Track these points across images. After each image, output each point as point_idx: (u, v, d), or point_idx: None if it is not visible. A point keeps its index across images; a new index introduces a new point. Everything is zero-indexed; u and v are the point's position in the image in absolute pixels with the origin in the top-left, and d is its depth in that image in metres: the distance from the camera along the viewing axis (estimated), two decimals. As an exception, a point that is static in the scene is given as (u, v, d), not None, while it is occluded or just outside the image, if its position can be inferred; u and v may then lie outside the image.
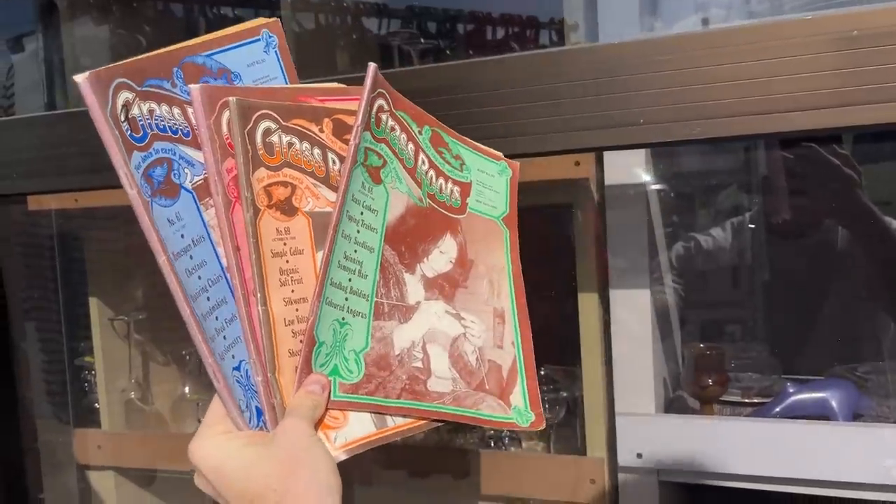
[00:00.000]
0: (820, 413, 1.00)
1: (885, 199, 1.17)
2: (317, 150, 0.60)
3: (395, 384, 0.60)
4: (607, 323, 1.08)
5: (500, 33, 1.62)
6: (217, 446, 0.52)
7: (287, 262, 0.56)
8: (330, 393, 0.56)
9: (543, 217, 1.18)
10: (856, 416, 1.01)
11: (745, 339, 1.38)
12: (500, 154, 0.74)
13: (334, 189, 0.59)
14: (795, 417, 1.01)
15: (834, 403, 0.99)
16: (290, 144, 0.58)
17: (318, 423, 0.55)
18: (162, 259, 0.52)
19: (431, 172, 0.67)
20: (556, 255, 1.13)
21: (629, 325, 1.06)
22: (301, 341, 0.56)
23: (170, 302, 0.53)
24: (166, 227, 0.53)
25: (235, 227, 0.55)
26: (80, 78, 0.51)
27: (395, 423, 0.60)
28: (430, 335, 0.63)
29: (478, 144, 0.72)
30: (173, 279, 0.52)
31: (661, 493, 1.04)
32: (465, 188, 0.70)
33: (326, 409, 0.56)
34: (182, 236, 0.54)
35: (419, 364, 0.62)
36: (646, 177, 1.09)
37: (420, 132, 0.66)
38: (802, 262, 1.30)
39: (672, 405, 1.16)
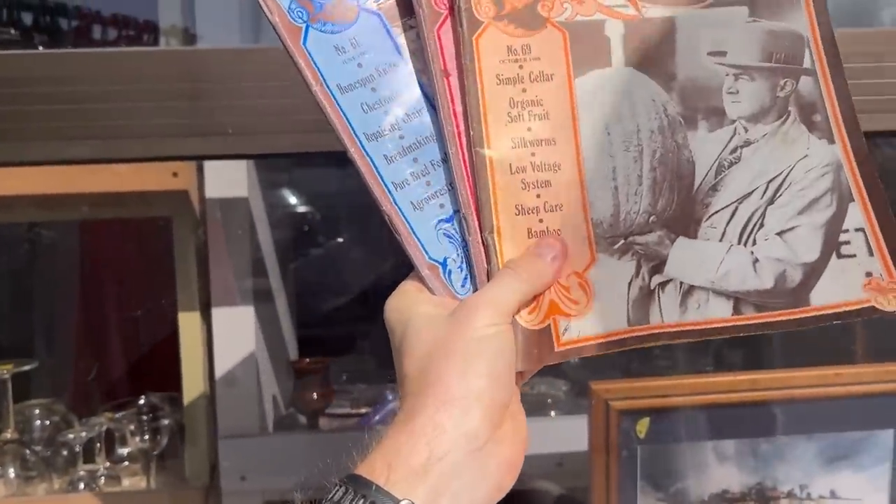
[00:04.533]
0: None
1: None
2: None
3: None
4: (210, 343, 1.03)
5: (113, 34, 1.48)
6: (404, 304, 0.45)
7: (524, 90, 0.44)
8: (569, 261, 0.44)
9: (140, 231, 1.09)
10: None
11: (356, 350, 1.42)
12: None
13: None
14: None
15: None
16: None
17: (537, 301, 0.44)
18: (314, 88, 0.45)
19: None
20: (154, 273, 1.05)
21: (232, 345, 1.02)
22: (538, 196, 0.44)
23: None
24: (330, 55, 0.46)
25: (443, 49, 0.45)
26: None
27: (670, 320, 0.45)
28: None
29: None
30: (331, 111, 0.45)
31: (267, 515, 1.02)
32: None
33: (553, 282, 0.43)
34: (359, 66, 0.46)
35: None
36: (251, 190, 1.07)
37: None
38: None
39: (283, 423, 1.15)
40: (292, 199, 1.34)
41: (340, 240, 1.38)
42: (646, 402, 0.80)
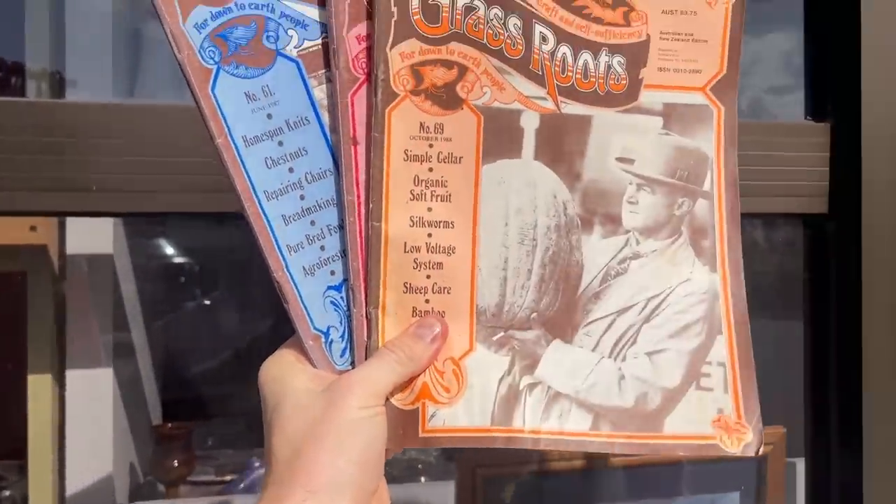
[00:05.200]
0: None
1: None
2: (514, 21, 0.45)
3: None
4: (63, 407, 0.97)
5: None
6: (280, 374, 0.43)
7: (430, 170, 0.44)
8: (447, 345, 0.44)
9: (-10, 287, 1.03)
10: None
11: (225, 413, 1.38)
12: None
13: (532, 78, 0.45)
14: (259, 492, 1.03)
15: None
16: (470, 9, 0.44)
17: (411, 382, 0.43)
18: (218, 141, 0.42)
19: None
20: (4, 332, 0.98)
21: (87, 409, 0.96)
22: (428, 277, 0.44)
23: None
24: (239, 103, 0.43)
25: (355, 115, 0.43)
26: None
27: (531, 426, 0.44)
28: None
29: None
30: (232, 166, 0.42)
31: None
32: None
33: (430, 364, 0.43)
34: (269, 116, 0.44)
35: None
36: (117, 245, 1.03)
37: None
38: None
39: (140, 492, 1.09)
40: (161, 254, 1.29)
41: (207, 302, 1.34)
42: (510, 469, 0.81)
